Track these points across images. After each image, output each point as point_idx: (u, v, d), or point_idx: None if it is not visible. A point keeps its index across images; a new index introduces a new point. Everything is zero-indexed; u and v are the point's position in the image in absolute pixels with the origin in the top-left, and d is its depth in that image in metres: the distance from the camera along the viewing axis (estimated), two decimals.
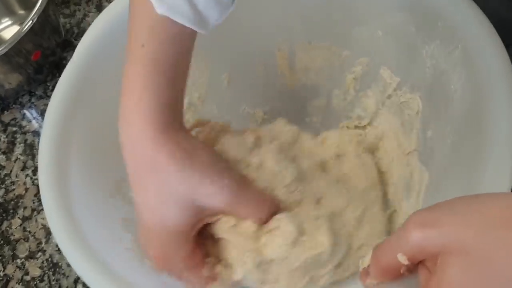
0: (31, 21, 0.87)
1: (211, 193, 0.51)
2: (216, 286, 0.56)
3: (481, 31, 0.58)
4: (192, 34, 0.51)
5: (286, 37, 0.73)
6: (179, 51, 0.51)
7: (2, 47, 0.85)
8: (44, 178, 0.61)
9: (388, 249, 0.41)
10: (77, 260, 0.56)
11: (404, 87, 0.68)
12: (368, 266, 0.44)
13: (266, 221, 0.56)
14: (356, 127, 0.75)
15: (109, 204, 0.64)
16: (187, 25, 0.48)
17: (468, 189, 0.52)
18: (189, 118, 0.74)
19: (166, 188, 0.50)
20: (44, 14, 0.88)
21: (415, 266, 0.41)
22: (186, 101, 0.72)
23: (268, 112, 0.79)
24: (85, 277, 0.56)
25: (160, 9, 0.47)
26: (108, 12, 0.68)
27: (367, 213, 0.63)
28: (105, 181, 0.65)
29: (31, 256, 0.81)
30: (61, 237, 0.58)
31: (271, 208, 0.57)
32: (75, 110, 0.64)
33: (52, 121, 0.63)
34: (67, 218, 0.58)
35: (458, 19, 0.59)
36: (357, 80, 0.74)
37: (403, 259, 0.40)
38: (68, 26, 1.02)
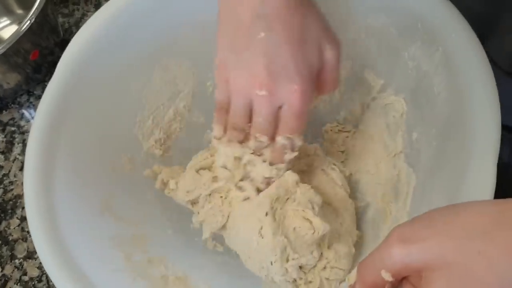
0: (29, 21, 0.87)
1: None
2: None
3: (460, 33, 0.58)
4: None
5: None
6: None
7: (1, 47, 0.85)
8: (29, 198, 0.60)
9: (372, 266, 0.41)
10: (63, 283, 0.56)
11: (388, 89, 0.69)
12: (355, 283, 0.44)
13: None
14: (340, 131, 0.75)
15: (98, 223, 0.64)
16: None
17: (453, 190, 0.53)
18: (176, 127, 0.75)
19: (310, 32, 0.54)
20: (42, 14, 0.88)
21: (399, 282, 0.41)
22: (172, 110, 0.73)
23: None
24: None
25: None
26: (94, 20, 0.68)
27: (334, 233, 0.64)
28: (92, 200, 0.65)
29: (29, 256, 0.82)
30: (47, 258, 0.57)
31: None
32: (60, 128, 0.64)
33: (37, 138, 0.63)
34: (53, 239, 0.58)
35: (437, 21, 0.59)
36: (342, 83, 0.73)
37: (387, 276, 0.40)
38: (66, 25, 1.03)
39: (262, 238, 0.60)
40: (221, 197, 0.65)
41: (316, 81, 0.56)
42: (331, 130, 0.75)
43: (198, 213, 0.65)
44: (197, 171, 0.67)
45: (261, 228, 0.60)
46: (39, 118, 0.64)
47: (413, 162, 0.65)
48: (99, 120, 0.68)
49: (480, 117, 0.54)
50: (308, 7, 0.54)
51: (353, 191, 0.73)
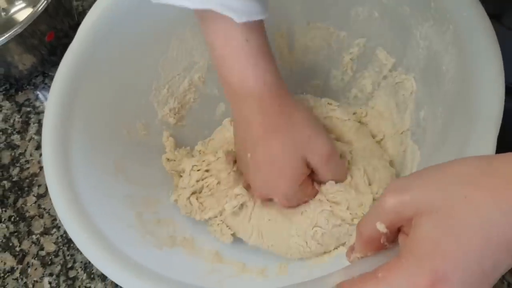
0: (45, 1, 0.88)
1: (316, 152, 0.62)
2: None
3: (470, 12, 0.58)
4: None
5: (284, 17, 0.74)
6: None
7: (17, 27, 0.87)
8: (47, 158, 0.62)
9: (368, 220, 0.43)
10: (79, 236, 0.59)
11: (399, 68, 0.69)
12: (354, 243, 0.46)
13: None
14: None
15: (112, 183, 0.67)
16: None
17: None
18: (190, 97, 0.77)
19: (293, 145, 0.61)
20: None
21: (395, 236, 0.43)
22: (187, 81, 0.75)
23: None
24: (87, 252, 0.58)
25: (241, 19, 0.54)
26: None
27: (367, 167, 0.67)
28: (106, 161, 0.67)
29: (46, 232, 0.84)
30: (64, 213, 0.60)
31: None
32: (77, 92, 0.66)
33: (54, 103, 0.65)
34: (70, 196, 0.60)
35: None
36: (354, 61, 0.74)
37: (381, 228, 0.41)
38: (80, 9, 1.04)
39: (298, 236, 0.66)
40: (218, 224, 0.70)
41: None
42: None
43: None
44: (188, 199, 0.70)
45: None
46: (58, 82, 0.66)
47: (418, 140, 0.66)
48: (116, 86, 0.70)
49: (485, 97, 0.54)
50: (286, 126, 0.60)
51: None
